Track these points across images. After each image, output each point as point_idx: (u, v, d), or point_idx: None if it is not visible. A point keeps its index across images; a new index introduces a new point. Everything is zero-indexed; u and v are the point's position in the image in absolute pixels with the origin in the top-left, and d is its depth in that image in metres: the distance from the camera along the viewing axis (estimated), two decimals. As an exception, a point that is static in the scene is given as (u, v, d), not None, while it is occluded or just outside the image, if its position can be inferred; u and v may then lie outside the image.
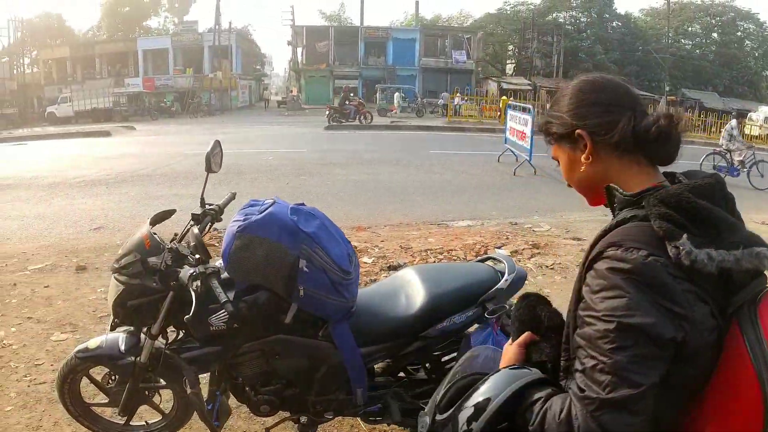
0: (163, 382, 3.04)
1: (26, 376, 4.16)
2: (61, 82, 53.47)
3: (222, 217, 2.93)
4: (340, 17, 70.14)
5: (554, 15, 62.12)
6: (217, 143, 2.96)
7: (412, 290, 2.86)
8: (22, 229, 8.89)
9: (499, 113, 30.07)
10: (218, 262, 2.65)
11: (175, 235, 2.80)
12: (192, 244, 2.56)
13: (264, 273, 2.51)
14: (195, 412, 2.99)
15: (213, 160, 2.87)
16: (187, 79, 50.36)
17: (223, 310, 2.52)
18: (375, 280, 5.56)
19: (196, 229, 2.60)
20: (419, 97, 42.64)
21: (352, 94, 34.87)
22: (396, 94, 39.35)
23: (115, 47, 55.93)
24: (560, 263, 6.32)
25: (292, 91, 55.83)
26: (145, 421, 3.27)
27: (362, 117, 31.14)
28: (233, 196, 3.12)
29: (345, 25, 63.32)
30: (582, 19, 62.75)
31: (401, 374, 3.04)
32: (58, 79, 55.53)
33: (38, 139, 27.54)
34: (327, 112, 31.07)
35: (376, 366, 2.94)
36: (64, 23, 67.40)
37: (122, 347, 2.82)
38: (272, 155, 15.67)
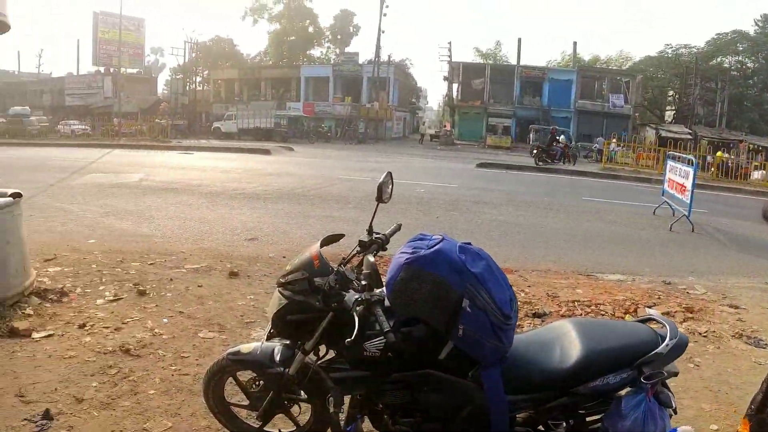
0: (304, 395, 3.10)
1: (172, 366, 4.44)
2: (228, 101, 58.14)
3: (387, 247, 2.97)
4: (496, 55, 70.07)
5: (719, 59, 57.80)
6: (389, 174, 3.02)
7: (568, 343, 2.72)
8: (183, 231, 9.61)
9: (656, 162, 28.53)
10: (379, 291, 2.68)
11: (343, 258, 2.87)
12: (365, 271, 2.61)
13: (426, 307, 2.50)
14: (329, 430, 3.03)
15: (384, 190, 2.94)
16: (345, 107, 52.67)
17: (379, 338, 2.55)
18: (519, 325, 5.40)
19: (371, 258, 2.65)
20: (572, 140, 41.32)
21: (561, 137, 33.74)
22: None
23: (280, 72, 60.12)
24: (714, 331, 5.79)
25: (445, 126, 56.46)
26: (279, 429, 3.35)
27: (567, 159, 30.88)
28: (399, 227, 3.17)
29: (501, 63, 63.20)
30: (749, 65, 57.87)
31: (541, 427, 2.90)
32: (226, 97, 60.47)
33: (203, 150, 29.85)
34: (533, 152, 30.99)
35: (517, 416, 2.83)
36: (234, 47, 73.34)
37: (276, 357, 2.91)
38: (423, 188, 15.84)
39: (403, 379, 2.67)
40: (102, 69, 61.96)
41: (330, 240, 2.97)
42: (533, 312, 5.97)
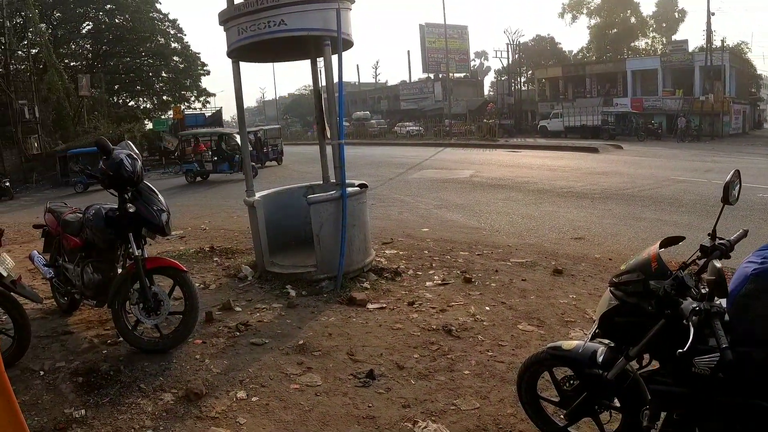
0: (617, 403, 2.89)
1: (488, 351, 4.52)
2: (553, 99, 57.50)
3: (731, 255, 2.60)
4: None
5: None
6: (737, 173, 2.65)
7: None
8: (510, 225, 9.79)
9: None
10: (719, 302, 2.36)
11: (683, 263, 2.60)
12: (708, 278, 2.33)
13: None
14: None
15: (731, 190, 2.59)
16: (676, 101, 48.11)
17: (713, 354, 2.24)
18: None
19: (718, 264, 2.35)
20: None
21: None
22: None
23: (604, 68, 57.27)
24: None
25: (791, 120, 48.28)
26: None
27: None
28: (745, 234, 2.75)
29: None
30: None
31: None
32: (551, 96, 59.90)
33: (530, 149, 30.05)
34: None
35: None
36: (556, 45, 72.13)
37: (597, 358, 2.76)
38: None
39: (728, 405, 2.32)
40: (431, 75, 66.71)
41: (670, 242, 2.70)
42: None
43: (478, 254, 7.57)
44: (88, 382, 4.19)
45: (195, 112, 42.33)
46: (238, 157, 21.99)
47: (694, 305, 2.29)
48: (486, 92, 73.14)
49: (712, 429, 2.40)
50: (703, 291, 2.40)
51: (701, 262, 2.57)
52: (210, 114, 40.61)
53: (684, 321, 2.29)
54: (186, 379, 4.18)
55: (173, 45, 45.80)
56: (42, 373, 4.40)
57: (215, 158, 23.44)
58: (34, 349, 4.77)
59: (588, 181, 15.48)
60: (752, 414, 2.27)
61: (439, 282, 6.34)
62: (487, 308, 5.48)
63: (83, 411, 3.76)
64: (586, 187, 14.34)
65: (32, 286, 6.13)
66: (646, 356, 2.68)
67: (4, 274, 4.65)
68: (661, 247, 2.61)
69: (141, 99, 48.32)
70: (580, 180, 15.64)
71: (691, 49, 53.39)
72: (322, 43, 6.29)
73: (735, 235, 2.68)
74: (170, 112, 41.61)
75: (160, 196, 4.90)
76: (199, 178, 23.12)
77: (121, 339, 4.84)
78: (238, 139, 23.70)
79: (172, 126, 36.71)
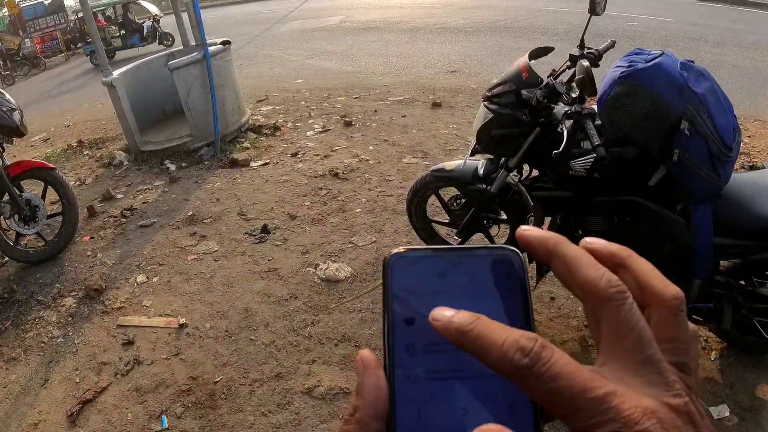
0: (503, 216, 3.02)
1: (377, 188, 4.59)
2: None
3: (599, 63, 2.64)
4: None
5: None
6: None
7: None
8: (386, 66, 9.63)
9: None
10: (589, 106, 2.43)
11: (553, 71, 2.62)
12: (577, 77, 2.35)
13: (640, 126, 2.20)
14: (524, 252, 2.95)
15: (597, 2, 2.58)
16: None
17: (587, 156, 2.32)
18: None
19: (586, 62, 2.36)
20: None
21: None
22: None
23: None
24: None
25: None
26: None
27: None
28: (613, 44, 2.78)
29: None
30: None
31: (743, 281, 2.55)
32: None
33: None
34: None
35: (721, 263, 2.51)
36: None
37: (480, 173, 2.82)
38: (636, 21, 14.24)
39: (607, 204, 2.45)
40: None
41: (538, 53, 2.69)
42: (750, 164, 5.21)
43: (356, 98, 7.46)
44: (-18, 310, 3.92)
45: (33, 2, 37.75)
46: (149, 25, 19.42)
47: (566, 109, 2.34)
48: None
49: (592, 227, 2.54)
50: (573, 95, 2.44)
51: (571, 71, 2.60)
52: (50, 2, 36.33)
53: (558, 127, 2.35)
54: (82, 278, 4.02)
55: None
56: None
57: (122, 32, 19.87)
58: None
59: (460, 15, 15.27)
60: (630, 211, 2.42)
61: (320, 130, 6.23)
62: (371, 147, 5.49)
63: (-12, 342, 3.55)
64: (459, 21, 14.16)
65: None
66: (526, 167, 2.77)
67: None
68: (530, 58, 2.61)
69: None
70: (452, 15, 15.41)
71: None
72: None
73: (603, 45, 2.71)
74: (4, 9, 36.88)
75: (7, 95, 4.38)
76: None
77: (6, 259, 4.50)
78: (147, 5, 21.04)
79: (10, 23, 32.71)
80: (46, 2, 36.10)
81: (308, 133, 6.17)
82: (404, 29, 13.50)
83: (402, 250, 0.38)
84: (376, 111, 6.68)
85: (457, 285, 0.40)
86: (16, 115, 4.30)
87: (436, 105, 6.65)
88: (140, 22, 19.76)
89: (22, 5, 34.79)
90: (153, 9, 20.72)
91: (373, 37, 12.69)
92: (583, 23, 2.69)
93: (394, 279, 0.39)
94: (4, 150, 4.44)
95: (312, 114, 6.87)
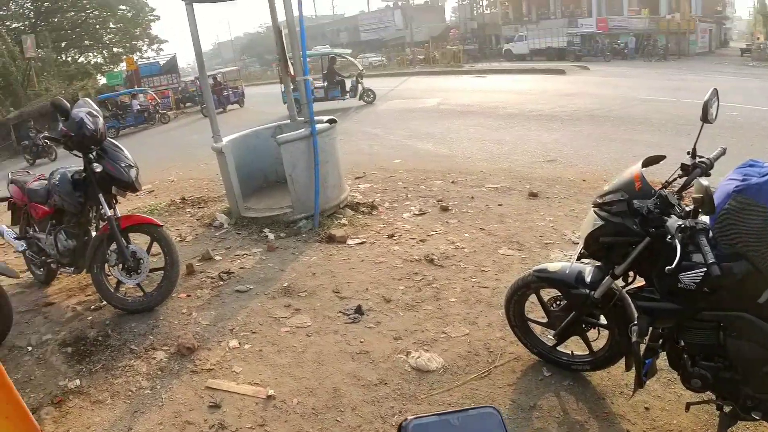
0: (604, 321, 2.96)
1: (472, 278, 4.57)
2: (517, 22, 56.43)
3: (711, 172, 2.62)
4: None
5: None
6: (715, 92, 2.63)
7: None
8: (483, 151, 9.78)
9: None
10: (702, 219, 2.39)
11: (665, 182, 2.61)
12: (694, 195, 2.34)
13: (754, 242, 2.17)
14: (621, 359, 2.90)
15: (709, 109, 2.57)
16: (643, 21, 47.71)
17: (698, 270, 2.27)
18: None
19: (705, 181, 2.35)
20: None
21: None
22: None
23: None
24: None
25: (758, 38, 48.26)
26: (571, 351, 3.26)
27: None
28: (724, 151, 2.75)
29: None
30: None
31: None
32: (515, 18, 58.83)
33: (496, 73, 29.75)
34: None
35: None
36: None
37: (584, 278, 2.81)
38: (737, 111, 13.90)
39: (715, 319, 2.37)
40: (391, 3, 64.99)
41: (651, 161, 2.69)
42: None
43: (453, 182, 7.57)
44: (77, 351, 4.15)
45: (149, 61, 40.91)
46: (354, 81, 19.71)
47: (680, 222, 2.31)
48: (448, 18, 71.76)
49: (697, 341, 2.46)
50: (686, 209, 2.42)
51: (682, 180, 2.59)
52: (165, 61, 39.34)
53: (669, 238, 2.32)
54: (176, 334, 4.17)
55: (118, -7, 43.73)
56: (30, 348, 4.33)
57: (326, 83, 20.19)
58: (18, 326, 4.67)
59: (557, 103, 15.41)
60: (738, 327, 2.33)
61: (417, 212, 6.35)
62: (467, 235, 5.52)
63: (77, 381, 3.74)
64: (555, 109, 14.29)
65: (4, 261, 5.99)
66: (631, 274, 2.73)
67: None
68: (643, 166, 2.61)
69: (91, 54, 46.08)
70: (549, 102, 15.56)
71: (658, -34, 52.46)
72: (279, -24, 6.01)
73: (714, 153, 2.69)
74: (123, 65, 40.18)
75: (125, 151, 4.72)
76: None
77: (104, 303, 4.77)
78: (354, 61, 22.15)
79: (126, 78, 35.57)
80: (161, 62, 39.14)
81: (405, 215, 6.30)
82: (501, 115, 13.72)
83: (413, 417, 0.41)
84: (472, 197, 6.75)
85: None
86: (133, 172, 4.62)
87: (532, 195, 6.65)
88: (345, 76, 20.30)
89: (138, 62, 37.86)
90: (359, 65, 21.52)
91: (470, 122, 12.95)
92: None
93: None
94: (118, 202, 4.77)
95: (409, 195, 7.03)
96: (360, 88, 19.45)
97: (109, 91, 30.51)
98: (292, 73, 6.90)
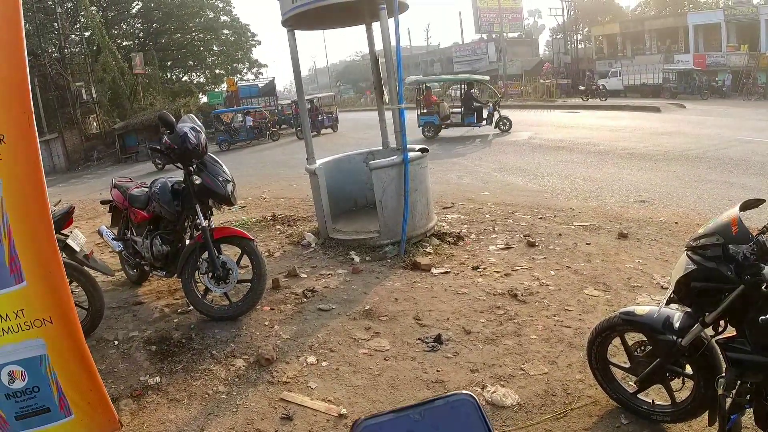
0: (690, 371, 2.86)
1: (555, 316, 4.51)
2: (611, 57, 55.13)
3: None
4: None
5: None
6: None
7: None
8: (572, 188, 9.63)
9: None
10: None
11: (765, 228, 2.53)
12: None
13: None
14: (704, 413, 2.79)
15: None
16: (742, 57, 45.55)
17: None
18: None
19: None
20: None
21: None
22: None
23: (664, 23, 54.13)
24: None
25: None
26: (652, 400, 3.15)
27: None
28: None
29: None
30: None
31: None
32: (609, 53, 57.45)
33: (589, 109, 29.20)
34: None
35: None
36: (614, 1, 68.92)
37: (672, 324, 2.74)
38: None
39: None
40: (485, 36, 64.85)
41: (749, 205, 2.61)
42: None
43: (541, 217, 7.51)
44: (161, 350, 4.40)
45: (248, 83, 42.75)
46: (491, 108, 19.62)
47: None
48: (541, 52, 71.16)
49: None
50: None
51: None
52: (263, 84, 41.01)
53: (765, 287, 2.25)
54: (256, 345, 4.33)
55: (222, 18, 45.95)
56: (116, 342, 4.64)
57: (463, 109, 20.11)
58: (108, 320, 5.02)
59: (650, 141, 14.94)
60: None
61: (503, 246, 6.33)
62: (552, 272, 5.45)
63: (158, 378, 3.96)
64: (649, 147, 13.85)
65: (102, 259, 6.40)
66: (722, 323, 2.64)
67: (77, 249, 4.89)
68: (741, 210, 2.55)
69: (194, 73, 48.92)
70: (643, 141, 15.12)
71: (756, 1, 50.25)
72: (378, 7, 6.20)
73: None
74: (224, 85, 42.18)
75: (224, 166, 4.99)
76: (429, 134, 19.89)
77: (191, 308, 5.04)
78: (493, 88, 22.56)
79: (226, 98, 37.32)
80: (260, 84, 40.78)
81: (491, 248, 6.29)
82: (592, 151, 13.48)
83: (365, 418, 0.39)
84: (560, 234, 6.66)
85: None
86: (230, 186, 4.88)
87: (622, 236, 6.49)
88: (483, 102, 20.34)
89: (238, 84, 39.64)
90: (497, 92, 22.29)
91: (561, 157, 12.80)
92: None
93: None
94: (212, 214, 5.03)
95: (496, 228, 7.02)
96: (497, 115, 19.39)
97: (210, 110, 32.26)
98: (387, 100, 7.08)
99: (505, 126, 19.00)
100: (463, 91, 20.73)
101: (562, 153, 13.53)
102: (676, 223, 7.09)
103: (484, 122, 19.57)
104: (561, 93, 43.99)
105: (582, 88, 38.55)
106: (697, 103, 31.78)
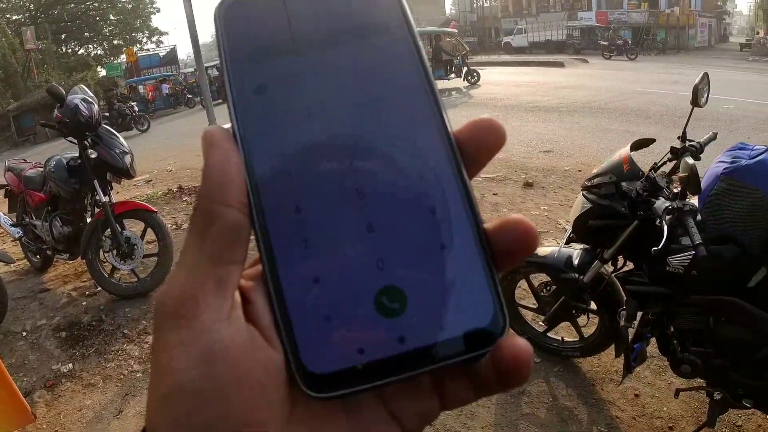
0: (593, 306, 2.96)
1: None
2: (516, 15, 56.32)
3: (701, 156, 2.61)
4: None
5: None
6: (706, 76, 2.63)
7: None
8: (479, 142, 9.76)
9: None
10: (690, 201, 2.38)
11: (654, 164, 2.60)
12: (681, 174, 2.33)
13: (742, 225, 2.16)
14: (611, 345, 2.89)
15: (700, 93, 2.57)
16: (642, 14, 47.63)
17: (686, 253, 2.27)
18: None
19: (691, 160, 2.34)
20: None
21: None
22: None
23: None
24: None
25: (758, 33, 48.18)
26: (561, 337, 3.28)
27: None
28: (714, 136, 2.75)
29: None
30: None
31: None
32: (514, 11, 58.66)
33: (495, 66, 29.69)
34: None
35: None
36: None
37: (574, 262, 2.81)
38: (733, 104, 13.89)
39: (704, 304, 2.34)
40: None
41: (640, 144, 2.68)
42: None
43: (448, 172, 7.57)
44: (71, 335, 4.21)
45: (149, 53, 40.96)
46: (460, 62, 19.57)
47: (667, 204, 2.31)
48: (448, 11, 71.60)
49: (686, 327, 2.45)
50: (675, 191, 2.42)
51: (672, 164, 2.59)
52: (165, 53, 39.40)
53: (657, 221, 2.32)
54: (168, 318, 4.19)
55: (118, -16, 43.74)
56: (24, 333, 4.40)
57: (432, 62, 18.98)
58: (13, 312, 4.74)
59: (555, 95, 15.39)
60: (727, 311, 2.32)
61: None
62: (462, 223, 5.51)
63: (70, 365, 3.80)
64: (553, 101, 14.26)
65: (4, 249, 6.05)
66: (621, 258, 2.73)
67: None
68: (632, 149, 2.61)
69: (91, 46, 46.10)
70: (547, 94, 15.55)
71: (657, -41, 52.12)
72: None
73: (705, 138, 2.69)
74: (123, 56, 40.27)
75: (120, 138, 4.76)
76: None
77: (99, 289, 4.83)
78: (463, 42, 22.10)
79: (126, 70, 35.67)
80: (161, 54, 39.19)
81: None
82: (498, 106, 13.73)
83: None
84: (467, 188, 6.73)
85: (315, 31, 0.32)
86: (128, 158, 4.65)
87: (528, 185, 6.65)
88: (452, 55, 20.13)
89: (138, 54, 37.94)
90: (465, 45, 21.79)
91: (464, 113, 12.92)
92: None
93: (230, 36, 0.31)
94: (112, 188, 4.79)
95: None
96: (465, 68, 19.31)
97: (109, 84, 30.71)
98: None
99: (473, 78, 19.01)
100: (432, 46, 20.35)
101: (466, 108, 13.71)
102: (579, 171, 7.32)
103: (453, 75, 19.53)
104: (469, 51, 44.38)
105: (604, 43, 34.18)
106: (600, 59, 32.79)
